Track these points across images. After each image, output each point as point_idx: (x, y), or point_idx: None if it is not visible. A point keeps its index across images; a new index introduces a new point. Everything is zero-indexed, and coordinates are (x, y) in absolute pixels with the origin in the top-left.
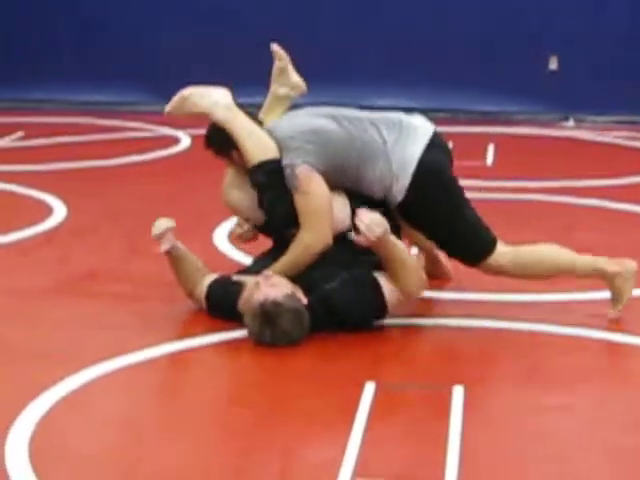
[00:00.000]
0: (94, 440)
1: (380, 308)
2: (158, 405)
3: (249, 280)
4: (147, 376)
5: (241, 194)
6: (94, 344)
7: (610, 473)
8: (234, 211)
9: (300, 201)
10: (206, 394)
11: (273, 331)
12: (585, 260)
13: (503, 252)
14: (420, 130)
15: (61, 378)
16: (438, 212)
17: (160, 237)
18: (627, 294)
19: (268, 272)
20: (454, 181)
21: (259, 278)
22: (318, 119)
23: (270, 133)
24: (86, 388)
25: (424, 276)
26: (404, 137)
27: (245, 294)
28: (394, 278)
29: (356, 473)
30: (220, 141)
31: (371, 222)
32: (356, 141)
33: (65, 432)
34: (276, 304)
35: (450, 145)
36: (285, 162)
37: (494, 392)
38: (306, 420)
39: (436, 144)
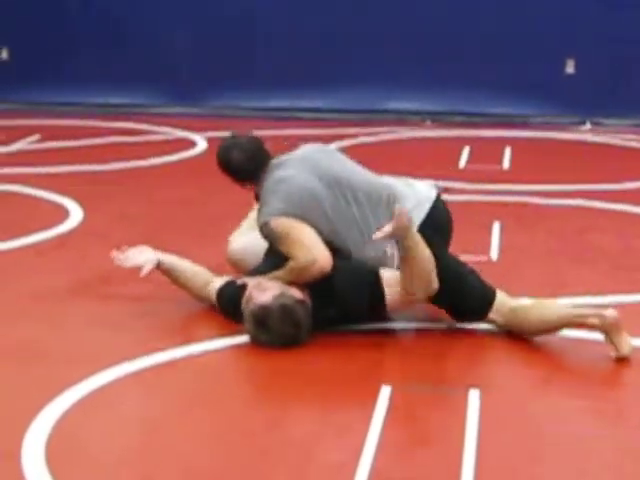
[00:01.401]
0: (110, 442)
1: (377, 300)
2: (175, 407)
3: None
4: (164, 378)
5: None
6: (110, 346)
7: (629, 476)
8: (236, 261)
9: (284, 247)
10: (223, 395)
11: (268, 334)
12: (571, 315)
13: (502, 310)
14: (414, 213)
15: (77, 380)
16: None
17: (136, 264)
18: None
19: (260, 279)
20: (451, 266)
21: (252, 286)
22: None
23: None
24: (102, 390)
25: (435, 284)
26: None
27: (245, 296)
28: (405, 277)
29: (371, 475)
30: (222, 166)
31: (401, 224)
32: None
33: (81, 434)
34: (263, 307)
35: (449, 211)
36: (260, 222)
37: (511, 395)
38: (322, 422)
39: (429, 225)
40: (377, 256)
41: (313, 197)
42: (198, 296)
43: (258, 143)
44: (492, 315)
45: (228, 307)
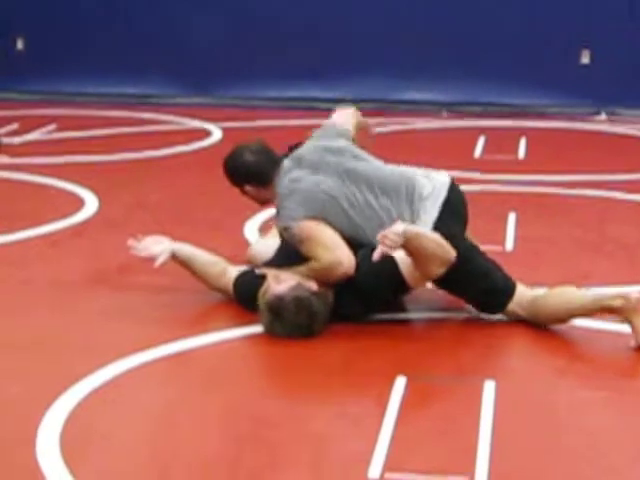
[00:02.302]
0: (124, 432)
1: (399, 284)
2: (190, 397)
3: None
4: (179, 368)
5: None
6: (126, 337)
7: None
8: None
9: (307, 250)
10: (237, 386)
11: (282, 325)
12: (593, 300)
13: (522, 302)
14: (429, 201)
15: (93, 370)
16: (456, 276)
17: (151, 255)
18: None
19: (277, 272)
20: (469, 250)
21: (270, 277)
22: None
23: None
24: (118, 380)
25: (450, 254)
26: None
27: (262, 288)
28: (419, 265)
29: (386, 467)
30: (234, 174)
31: (392, 239)
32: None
33: (96, 423)
34: (279, 298)
35: (466, 196)
36: (280, 226)
37: (526, 386)
38: (337, 413)
39: (447, 210)
40: None
41: (329, 196)
42: (214, 286)
43: (266, 145)
44: (512, 306)
45: (244, 297)
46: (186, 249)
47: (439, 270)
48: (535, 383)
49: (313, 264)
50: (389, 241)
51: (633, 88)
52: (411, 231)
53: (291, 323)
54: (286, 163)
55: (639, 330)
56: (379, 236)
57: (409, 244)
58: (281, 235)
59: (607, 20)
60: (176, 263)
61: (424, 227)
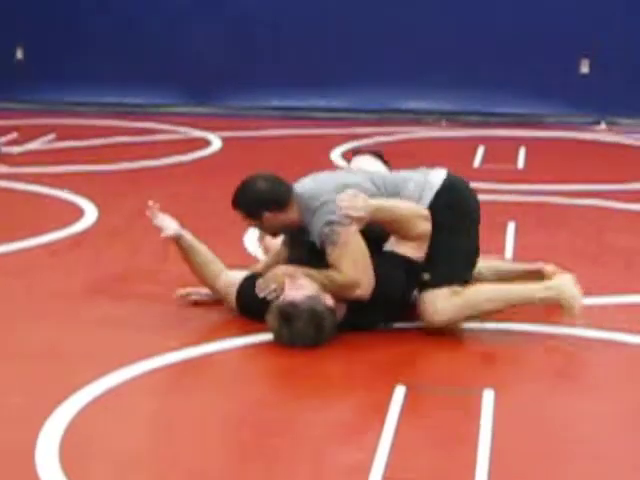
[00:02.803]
0: (124, 441)
1: (414, 274)
2: (190, 406)
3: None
4: (178, 378)
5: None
6: (126, 346)
7: None
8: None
9: (336, 254)
10: (237, 395)
11: (290, 331)
12: (519, 292)
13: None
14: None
15: (92, 379)
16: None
17: (161, 225)
18: (571, 301)
19: (295, 271)
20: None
21: (286, 277)
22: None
23: (298, 196)
24: (117, 389)
25: (424, 212)
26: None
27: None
28: (401, 232)
29: (385, 476)
30: (251, 204)
31: (350, 201)
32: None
33: (95, 433)
34: (293, 305)
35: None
36: (324, 220)
37: (525, 396)
38: (336, 422)
39: (440, 204)
40: None
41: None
42: (206, 284)
43: (270, 173)
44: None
45: (251, 303)
46: (191, 238)
47: (423, 225)
48: (534, 393)
49: (334, 276)
50: (352, 208)
51: (633, 98)
52: (371, 205)
53: (299, 332)
54: (298, 186)
55: (570, 307)
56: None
57: (377, 217)
58: (321, 229)
59: (606, 30)
60: (178, 248)
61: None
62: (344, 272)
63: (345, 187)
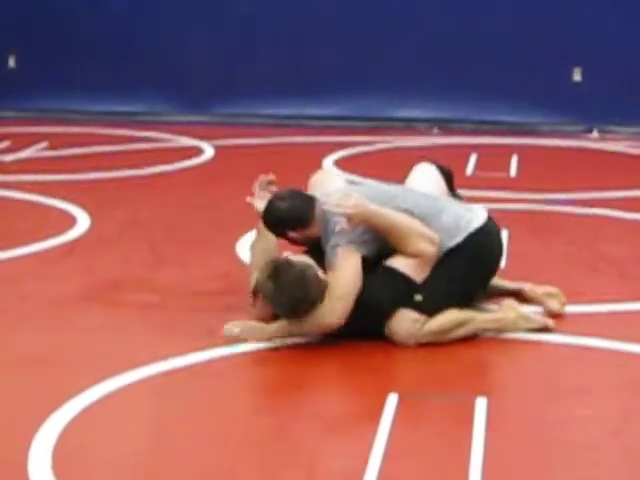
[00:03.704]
0: (117, 450)
1: (406, 283)
2: (182, 414)
3: None
4: (171, 386)
5: None
6: (118, 353)
7: None
8: None
9: (331, 276)
10: (230, 403)
11: (277, 284)
12: (477, 323)
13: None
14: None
15: (85, 387)
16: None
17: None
18: (515, 327)
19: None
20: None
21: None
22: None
23: (323, 208)
24: (110, 397)
25: (429, 234)
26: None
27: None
28: (399, 247)
29: None
30: (275, 226)
31: (339, 199)
32: None
33: (88, 442)
34: (287, 261)
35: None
36: (331, 243)
37: (518, 403)
38: (329, 430)
39: (461, 252)
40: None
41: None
42: (249, 269)
43: (294, 189)
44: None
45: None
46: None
47: (425, 246)
48: (526, 400)
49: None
50: (342, 207)
51: (625, 106)
52: (366, 207)
53: (285, 287)
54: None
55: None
56: (330, 207)
57: (373, 222)
58: (327, 252)
59: (599, 38)
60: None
61: None
62: (327, 298)
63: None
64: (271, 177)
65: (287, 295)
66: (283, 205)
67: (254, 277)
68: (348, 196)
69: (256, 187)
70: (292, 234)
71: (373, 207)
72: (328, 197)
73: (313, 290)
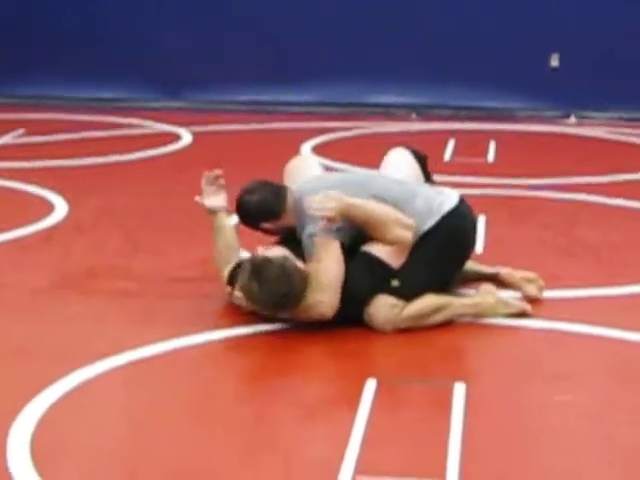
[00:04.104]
0: (97, 438)
1: (383, 269)
2: (160, 402)
3: None
4: (148, 373)
5: None
6: (95, 341)
7: (614, 468)
8: None
9: (311, 267)
10: (207, 391)
11: (259, 286)
12: (455, 308)
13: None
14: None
15: (62, 375)
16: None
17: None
18: (497, 313)
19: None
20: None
21: (260, 249)
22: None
23: (297, 197)
24: (87, 385)
25: (405, 220)
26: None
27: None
28: (377, 236)
29: (357, 470)
30: (248, 220)
31: (319, 202)
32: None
33: (67, 430)
34: (265, 259)
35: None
36: (307, 232)
37: (496, 388)
38: (308, 416)
39: (435, 235)
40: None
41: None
42: (217, 267)
43: (263, 180)
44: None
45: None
46: (224, 222)
47: (402, 232)
48: (505, 385)
49: (311, 283)
50: (322, 209)
51: (602, 91)
52: (344, 203)
53: (269, 285)
54: (293, 188)
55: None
56: (310, 210)
57: (351, 214)
58: (304, 242)
59: (576, 24)
60: (213, 224)
61: None
62: (310, 289)
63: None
64: (217, 172)
65: (272, 293)
66: (253, 198)
67: (225, 271)
68: (328, 197)
69: (203, 184)
70: (266, 225)
71: (350, 201)
72: (310, 202)
73: (296, 282)
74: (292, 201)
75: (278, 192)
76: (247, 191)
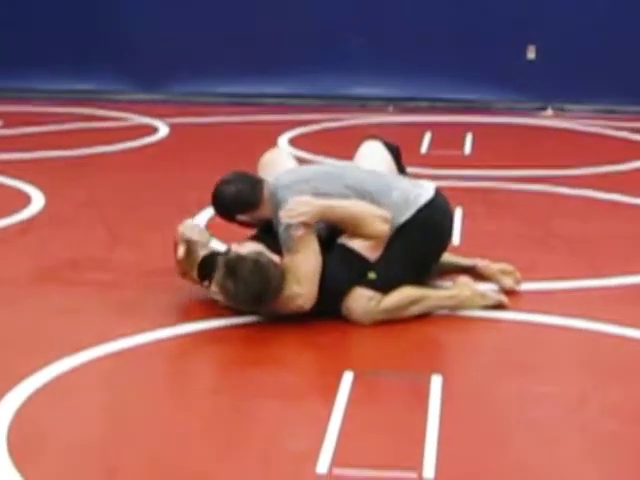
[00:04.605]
0: (73, 430)
1: (361, 262)
2: (138, 394)
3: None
4: (126, 365)
5: None
6: (74, 333)
7: (588, 459)
8: None
9: (288, 260)
10: (186, 383)
11: (235, 283)
12: (432, 300)
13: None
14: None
15: (40, 367)
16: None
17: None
18: (475, 305)
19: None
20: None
21: (234, 245)
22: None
23: (272, 190)
24: (66, 377)
25: (382, 213)
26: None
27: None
28: (355, 232)
29: (334, 462)
30: (224, 211)
31: (289, 211)
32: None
33: (44, 423)
34: (239, 256)
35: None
36: (283, 225)
37: (473, 380)
38: (285, 408)
39: (413, 226)
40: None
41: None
42: (185, 274)
43: (241, 172)
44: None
45: (204, 268)
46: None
47: (380, 226)
48: (481, 378)
49: (287, 275)
50: (295, 215)
51: (579, 84)
52: (318, 207)
53: (244, 282)
54: (270, 181)
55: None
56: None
57: (327, 217)
58: (281, 234)
59: (553, 16)
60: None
61: None
62: (287, 282)
63: (316, 192)
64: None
65: (248, 289)
66: (230, 189)
67: (194, 272)
68: (299, 203)
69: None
70: (242, 217)
71: (324, 203)
72: (282, 212)
73: (271, 276)
74: (268, 193)
75: (255, 184)
76: (224, 182)
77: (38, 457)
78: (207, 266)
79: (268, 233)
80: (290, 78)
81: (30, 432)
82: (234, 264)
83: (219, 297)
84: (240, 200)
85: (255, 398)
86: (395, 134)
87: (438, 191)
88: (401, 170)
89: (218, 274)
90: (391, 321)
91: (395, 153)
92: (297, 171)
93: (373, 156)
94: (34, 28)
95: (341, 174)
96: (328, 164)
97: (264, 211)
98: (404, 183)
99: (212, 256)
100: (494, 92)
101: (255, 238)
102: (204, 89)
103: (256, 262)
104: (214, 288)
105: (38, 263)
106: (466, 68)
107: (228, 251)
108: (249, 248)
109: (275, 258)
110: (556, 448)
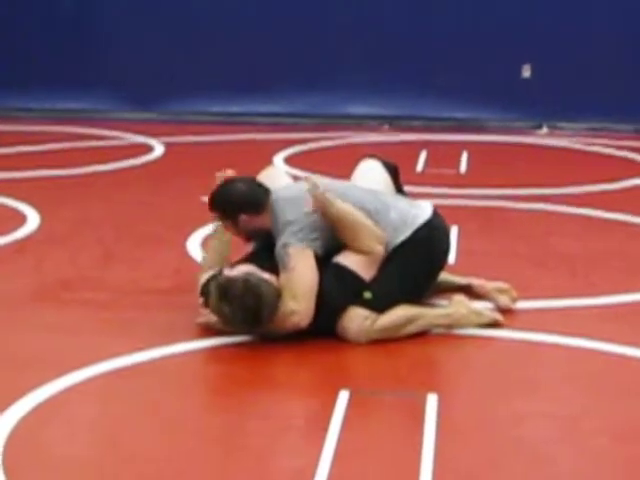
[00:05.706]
0: (68, 449)
1: (357, 282)
2: (133, 413)
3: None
4: (121, 384)
5: None
6: (69, 352)
7: (586, 478)
8: None
9: (285, 277)
10: (180, 402)
11: (229, 304)
12: (427, 319)
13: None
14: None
15: (35, 386)
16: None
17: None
18: (470, 323)
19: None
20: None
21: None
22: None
23: (273, 201)
24: (60, 396)
25: (379, 232)
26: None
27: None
28: (348, 240)
29: None
30: (228, 204)
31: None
32: None
33: (40, 441)
34: (229, 279)
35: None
36: (281, 241)
37: (470, 400)
38: (280, 427)
39: (409, 247)
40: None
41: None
42: (201, 265)
43: (253, 178)
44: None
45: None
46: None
47: (374, 246)
48: (477, 396)
49: (283, 294)
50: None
51: (574, 102)
52: (326, 195)
53: (238, 304)
54: (275, 190)
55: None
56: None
57: (327, 209)
58: (278, 250)
59: (548, 34)
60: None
61: None
62: (284, 299)
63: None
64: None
65: (243, 308)
66: (243, 187)
67: (204, 277)
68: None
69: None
70: (243, 218)
71: (330, 196)
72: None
73: (264, 292)
74: (271, 206)
75: (265, 190)
76: (238, 179)
77: (33, 475)
78: (205, 294)
79: (265, 251)
80: (285, 97)
81: (25, 450)
82: (225, 287)
83: (210, 320)
84: (250, 198)
85: (251, 417)
86: (391, 153)
87: (435, 211)
88: (399, 189)
89: (212, 299)
90: (387, 340)
91: (393, 172)
92: (298, 185)
93: (371, 175)
94: (28, 48)
95: (342, 193)
96: (326, 181)
97: (264, 220)
98: (402, 203)
99: (207, 283)
100: (489, 111)
101: (246, 261)
102: (199, 108)
103: (246, 281)
104: (211, 313)
105: (33, 282)
106: (461, 87)
107: (219, 275)
108: (239, 270)
109: (267, 276)
110: (551, 467)
